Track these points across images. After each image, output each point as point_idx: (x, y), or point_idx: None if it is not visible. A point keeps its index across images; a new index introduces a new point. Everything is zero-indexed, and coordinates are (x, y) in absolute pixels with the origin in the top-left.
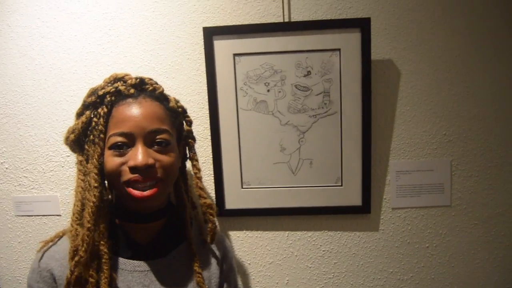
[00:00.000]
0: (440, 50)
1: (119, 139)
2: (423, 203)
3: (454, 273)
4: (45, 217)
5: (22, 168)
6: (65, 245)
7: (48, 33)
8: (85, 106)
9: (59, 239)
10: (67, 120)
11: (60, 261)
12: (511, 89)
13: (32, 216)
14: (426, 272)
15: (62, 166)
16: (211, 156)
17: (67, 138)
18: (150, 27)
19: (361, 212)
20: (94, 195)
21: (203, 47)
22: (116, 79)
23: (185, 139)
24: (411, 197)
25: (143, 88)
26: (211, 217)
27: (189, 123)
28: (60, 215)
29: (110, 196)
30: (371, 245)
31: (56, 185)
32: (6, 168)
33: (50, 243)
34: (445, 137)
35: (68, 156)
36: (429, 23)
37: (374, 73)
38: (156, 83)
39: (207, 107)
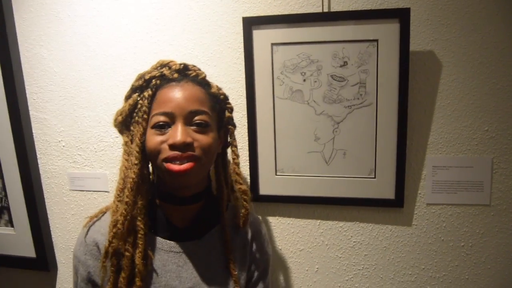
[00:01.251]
0: (484, 42)
1: (161, 118)
2: (460, 201)
3: (490, 275)
4: (95, 192)
5: (77, 146)
6: (108, 220)
7: (102, 22)
8: (133, 90)
9: (103, 215)
10: (118, 103)
11: (105, 235)
12: None
13: (83, 191)
14: (460, 272)
15: (112, 146)
16: (247, 143)
17: (115, 120)
18: (194, 17)
19: (393, 205)
20: (134, 172)
21: (243, 37)
22: (162, 65)
23: (226, 126)
24: (448, 193)
25: (186, 73)
26: (245, 203)
27: (230, 110)
28: (108, 192)
29: (151, 177)
30: (403, 239)
31: (106, 164)
32: (63, 146)
33: (95, 219)
34: (487, 133)
35: (117, 137)
36: (473, 13)
37: (414, 64)
38: (199, 69)
39: (245, 95)
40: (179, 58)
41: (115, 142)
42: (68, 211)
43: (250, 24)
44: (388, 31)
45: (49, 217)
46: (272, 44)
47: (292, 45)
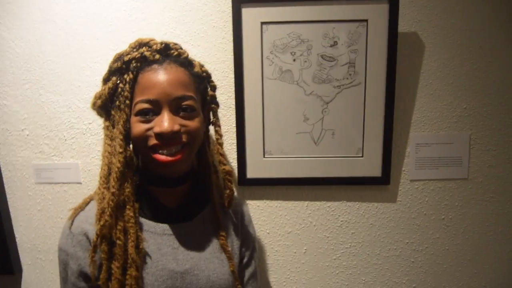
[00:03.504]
0: (465, 24)
1: (145, 105)
2: (441, 176)
3: (468, 244)
4: (66, 184)
5: (43, 135)
6: (95, 209)
7: None
8: (111, 72)
9: (86, 205)
10: (90, 87)
11: (93, 224)
12: None
13: (52, 183)
14: (441, 243)
15: (84, 134)
16: (235, 124)
17: (94, 104)
18: None
19: (380, 183)
20: (119, 160)
21: (231, 14)
22: (141, 44)
23: (209, 104)
24: (430, 169)
25: (168, 53)
26: (229, 183)
27: (213, 88)
28: (80, 183)
29: (135, 161)
30: (388, 216)
31: (77, 153)
32: (27, 135)
33: (79, 210)
34: (465, 111)
35: (90, 123)
36: None
37: (400, 45)
38: (181, 48)
39: (231, 75)
40: (159, 37)
41: (88, 129)
42: (34, 207)
43: (239, 2)
44: (378, 11)
45: (11, 214)
46: (262, 23)
47: (282, 24)
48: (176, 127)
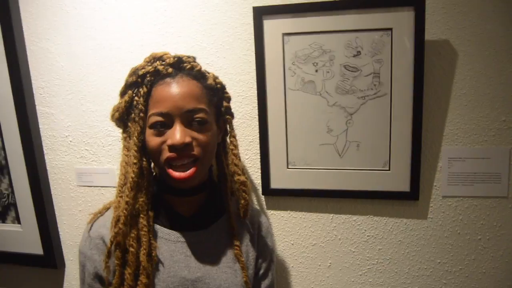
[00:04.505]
0: (501, 30)
1: (158, 118)
2: (476, 193)
3: (508, 269)
4: (103, 188)
5: (84, 141)
6: (112, 215)
7: (109, 14)
8: (127, 86)
9: (106, 210)
10: None
11: (110, 229)
12: None
13: (91, 186)
14: (477, 266)
15: (119, 141)
16: (258, 135)
17: (112, 116)
18: (202, 7)
19: (408, 198)
20: (133, 171)
21: (253, 26)
22: (155, 58)
23: (224, 115)
24: (464, 185)
25: (181, 66)
26: (244, 194)
27: (228, 99)
28: (115, 187)
29: (153, 171)
30: (418, 233)
31: (113, 158)
32: (70, 141)
33: (99, 215)
34: (505, 123)
35: None
36: (489, 2)
37: (429, 54)
38: (194, 61)
39: (255, 87)
40: (187, 50)
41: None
42: (76, 207)
43: (261, 13)
44: (403, 19)
45: (56, 213)
46: (283, 34)
47: (304, 35)
48: (188, 139)
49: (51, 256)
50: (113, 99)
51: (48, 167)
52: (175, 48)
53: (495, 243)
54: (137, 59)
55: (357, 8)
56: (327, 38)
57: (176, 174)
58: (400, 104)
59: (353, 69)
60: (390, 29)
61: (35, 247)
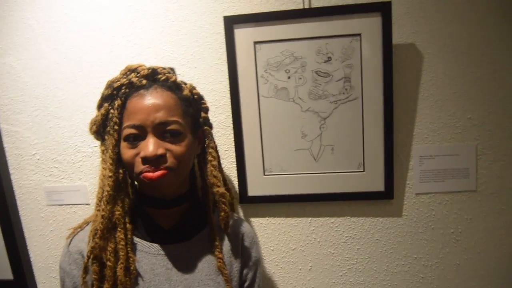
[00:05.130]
0: (464, 32)
1: (131, 131)
2: (447, 188)
3: (480, 259)
4: (75, 206)
5: (53, 159)
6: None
7: (75, 27)
8: (103, 99)
9: (87, 225)
10: (94, 111)
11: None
12: None
13: (62, 205)
14: (452, 258)
15: (90, 157)
16: (233, 144)
17: (90, 129)
18: (172, 18)
19: (383, 197)
20: (109, 184)
21: (224, 36)
22: (130, 70)
23: (202, 126)
24: (435, 182)
25: (155, 78)
26: (223, 206)
27: (206, 110)
28: (88, 204)
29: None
30: (394, 230)
31: (85, 175)
32: (38, 159)
33: (78, 229)
34: (470, 121)
35: (96, 146)
36: (452, 5)
37: (396, 57)
38: (169, 72)
39: (228, 95)
40: (157, 61)
41: (94, 151)
42: (46, 228)
43: (232, 22)
44: (371, 25)
45: (26, 235)
46: (255, 43)
47: (275, 43)
48: (160, 151)
49: (22, 281)
50: (82, 114)
51: (15, 187)
52: (145, 60)
53: (467, 235)
54: (107, 72)
55: (326, 15)
56: (298, 45)
57: (149, 174)
58: (371, 107)
59: (325, 74)
60: (359, 34)
61: (5, 272)
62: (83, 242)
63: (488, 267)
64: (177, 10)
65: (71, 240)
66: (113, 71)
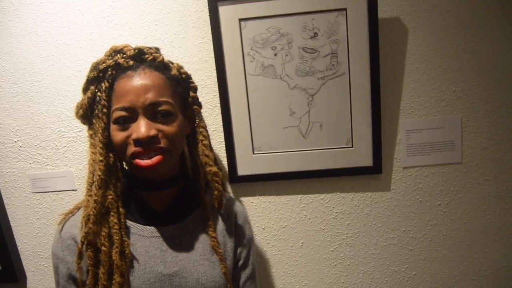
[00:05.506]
0: (447, 5)
1: (122, 113)
2: (434, 161)
3: (466, 229)
4: (61, 192)
5: (36, 145)
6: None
7: (52, 8)
8: (89, 81)
9: (77, 210)
10: (77, 95)
11: (80, 229)
12: None
13: (48, 192)
14: (439, 230)
15: (75, 142)
16: (221, 123)
17: (76, 113)
18: None
19: (372, 172)
20: (100, 168)
21: (208, 13)
22: (115, 51)
23: (191, 106)
24: (422, 155)
25: (142, 58)
26: (216, 184)
27: (194, 89)
28: (75, 190)
29: (125, 167)
30: (383, 205)
31: (70, 161)
32: (20, 146)
33: (70, 215)
34: (455, 93)
35: (80, 131)
36: None
37: (381, 31)
38: (156, 52)
39: (215, 74)
40: (140, 41)
41: (78, 136)
42: (33, 215)
43: (216, 0)
44: None
45: (11, 224)
46: (240, 20)
47: (261, 19)
48: (153, 132)
49: (10, 270)
50: (65, 98)
51: None
52: (127, 40)
53: (454, 207)
54: (88, 54)
55: None
56: (284, 21)
57: (143, 162)
58: (359, 82)
59: (311, 50)
60: (345, 9)
61: None
62: (76, 228)
63: (475, 237)
64: None
65: (62, 226)
66: (94, 53)
